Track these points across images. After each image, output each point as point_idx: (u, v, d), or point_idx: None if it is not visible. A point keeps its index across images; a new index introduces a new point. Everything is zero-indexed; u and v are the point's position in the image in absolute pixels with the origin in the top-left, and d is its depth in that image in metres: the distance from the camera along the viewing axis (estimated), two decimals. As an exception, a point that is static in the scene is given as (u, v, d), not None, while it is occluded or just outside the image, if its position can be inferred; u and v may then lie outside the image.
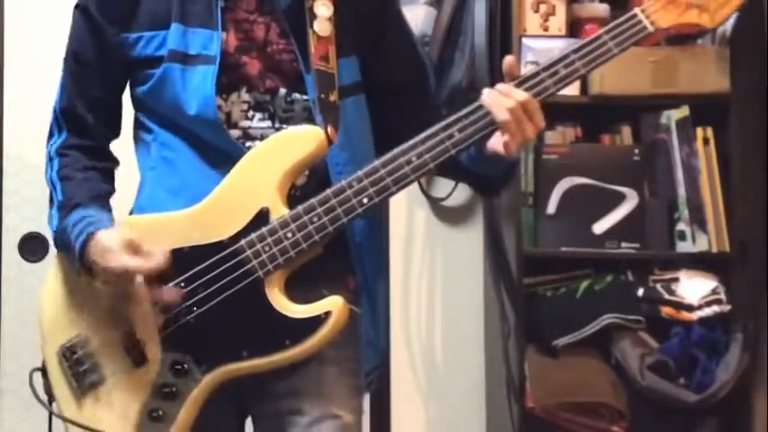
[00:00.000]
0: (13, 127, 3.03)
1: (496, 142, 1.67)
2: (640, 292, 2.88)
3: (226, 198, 1.69)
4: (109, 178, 1.83)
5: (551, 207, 2.93)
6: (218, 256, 1.67)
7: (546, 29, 2.99)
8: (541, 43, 2.95)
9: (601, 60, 1.69)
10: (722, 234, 2.86)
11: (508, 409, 2.93)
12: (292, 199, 1.69)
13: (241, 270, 1.66)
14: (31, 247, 2.97)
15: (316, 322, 1.64)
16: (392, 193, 1.67)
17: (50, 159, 1.82)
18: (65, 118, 1.82)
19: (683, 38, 2.87)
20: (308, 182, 1.73)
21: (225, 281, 1.66)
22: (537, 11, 2.99)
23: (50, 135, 1.84)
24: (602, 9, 3.03)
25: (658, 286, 2.88)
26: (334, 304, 1.65)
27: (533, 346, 2.90)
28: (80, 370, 1.73)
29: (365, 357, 1.83)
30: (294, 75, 1.76)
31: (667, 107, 2.95)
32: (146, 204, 1.79)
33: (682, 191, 2.91)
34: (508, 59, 1.68)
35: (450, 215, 3.26)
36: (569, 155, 2.95)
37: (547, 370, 2.84)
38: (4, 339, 3.03)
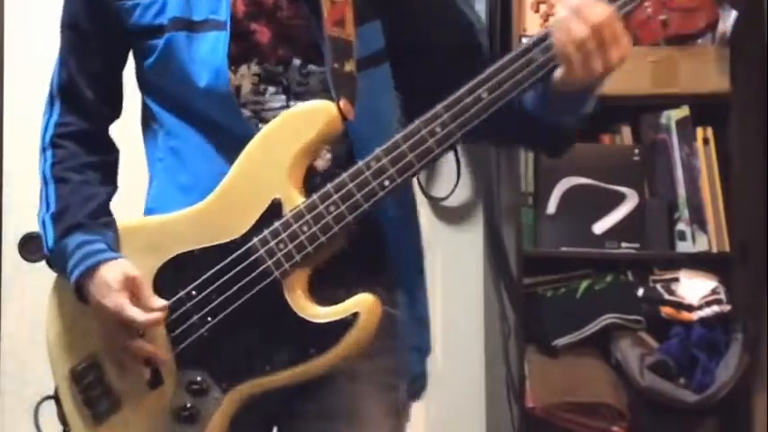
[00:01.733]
0: (13, 127, 3.02)
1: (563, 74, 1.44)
2: (640, 292, 2.88)
3: (234, 190, 1.51)
4: (109, 174, 1.67)
5: (551, 207, 2.93)
6: (230, 258, 1.49)
7: (546, 29, 2.99)
8: (541, 43, 2.95)
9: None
10: (722, 234, 2.86)
11: (508, 409, 2.93)
12: (314, 187, 1.50)
13: (256, 272, 1.48)
14: (31, 247, 2.96)
15: (342, 326, 1.45)
16: (416, 172, 1.47)
17: (44, 150, 1.64)
18: (62, 94, 1.64)
19: (683, 38, 2.87)
20: (332, 166, 1.54)
21: (239, 285, 1.48)
22: (537, 11, 2.99)
23: (43, 117, 1.67)
24: (602, 9, 3.02)
25: (658, 286, 2.88)
26: (362, 303, 1.46)
27: (533, 346, 2.90)
28: (93, 395, 1.58)
29: (410, 363, 1.62)
30: (308, 44, 1.55)
31: (667, 107, 2.94)
32: (156, 205, 1.62)
33: (682, 191, 2.91)
34: None
35: (450, 215, 3.26)
36: (569, 155, 2.94)
37: (547, 370, 2.84)
38: (4, 339, 3.03)
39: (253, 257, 1.48)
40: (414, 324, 1.64)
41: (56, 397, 1.63)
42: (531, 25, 2.98)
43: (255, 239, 1.48)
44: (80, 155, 1.63)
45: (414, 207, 1.69)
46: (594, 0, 1.45)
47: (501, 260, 3.02)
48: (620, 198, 2.93)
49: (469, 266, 3.25)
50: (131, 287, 1.50)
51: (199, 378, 1.50)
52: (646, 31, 3.02)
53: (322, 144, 1.50)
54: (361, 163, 1.47)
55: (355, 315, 1.45)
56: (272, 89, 1.56)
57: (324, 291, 1.50)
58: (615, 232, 2.92)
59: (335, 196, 1.46)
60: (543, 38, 1.45)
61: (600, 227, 2.93)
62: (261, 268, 1.48)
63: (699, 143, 2.89)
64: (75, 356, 1.60)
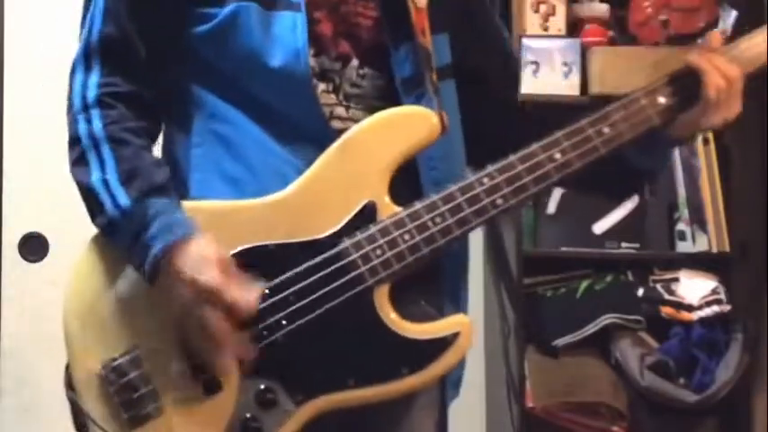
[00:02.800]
0: (13, 127, 3.02)
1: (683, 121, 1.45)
2: (640, 292, 2.88)
3: (319, 186, 1.37)
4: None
5: (551, 207, 2.93)
6: (315, 260, 1.35)
7: (546, 29, 2.99)
8: (541, 43, 2.95)
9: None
10: (722, 234, 2.86)
11: (508, 409, 2.93)
12: None
13: (346, 277, 1.34)
14: (31, 247, 2.96)
15: (441, 345, 1.35)
16: (530, 196, 1.39)
17: (85, 108, 1.39)
18: (105, 50, 1.40)
19: (683, 38, 2.87)
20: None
21: (324, 291, 1.34)
22: (537, 11, 2.99)
23: (73, 77, 1.42)
24: (602, 9, 3.03)
25: (658, 286, 2.88)
26: (461, 324, 1.37)
27: (533, 346, 2.90)
28: (132, 397, 1.35)
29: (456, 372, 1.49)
30: (371, 45, 1.45)
31: (667, 107, 2.95)
32: (198, 195, 1.41)
33: (682, 191, 2.91)
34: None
35: (450, 215, 3.26)
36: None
37: (547, 370, 2.84)
38: (4, 339, 3.03)
39: (344, 261, 1.35)
40: None
41: (72, 391, 1.40)
42: (531, 25, 2.99)
43: (348, 242, 1.35)
44: (133, 119, 1.40)
45: None
46: (724, 56, 1.47)
47: (501, 260, 3.02)
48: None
49: (469, 266, 3.25)
50: (227, 269, 1.32)
51: (271, 388, 1.34)
52: (646, 31, 3.03)
53: (418, 152, 1.40)
54: (473, 178, 1.38)
55: (456, 335, 1.36)
56: (322, 86, 1.43)
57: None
58: (615, 232, 2.93)
59: (443, 208, 1.36)
60: (686, 73, 1.46)
61: (600, 227, 2.93)
62: (353, 274, 1.35)
63: (699, 143, 2.89)
64: (109, 347, 1.36)
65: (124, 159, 1.36)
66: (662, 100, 1.44)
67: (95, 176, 1.36)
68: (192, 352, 1.35)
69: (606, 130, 1.41)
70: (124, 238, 1.35)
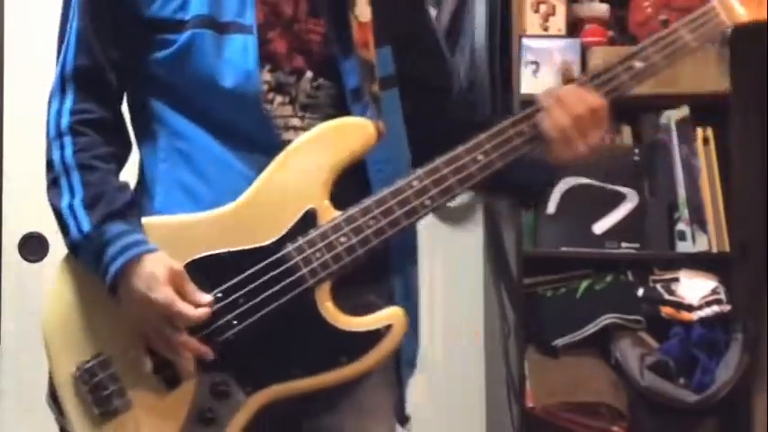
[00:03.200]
0: (13, 127, 3.02)
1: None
2: (640, 292, 2.88)
3: (265, 197, 1.51)
4: (121, 169, 1.61)
5: (551, 207, 2.93)
6: (261, 264, 1.49)
7: (546, 29, 2.99)
8: (541, 43, 2.96)
9: (679, 54, 1.58)
10: (722, 234, 2.86)
11: (508, 409, 2.93)
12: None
13: (290, 279, 1.48)
14: (31, 247, 2.97)
15: (375, 336, 1.49)
16: (456, 195, 1.52)
17: (58, 136, 1.55)
18: (78, 79, 1.56)
19: (682, 38, 2.87)
20: (338, 181, 1.55)
21: (271, 291, 1.48)
22: (537, 11, 2.99)
23: (50, 105, 1.58)
24: (602, 9, 3.03)
25: (658, 286, 2.88)
26: (394, 316, 1.51)
27: (533, 346, 2.90)
28: (102, 395, 1.51)
29: (406, 374, 1.65)
30: (322, 58, 1.58)
31: (667, 107, 2.95)
32: (161, 207, 1.56)
33: (682, 191, 2.91)
34: (563, 63, 1.58)
35: (450, 215, 3.26)
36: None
37: (547, 370, 2.84)
38: (4, 339, 3.03)
39: (287, 264, 1.48)
40: (412, 336, 1.66)
41: (53, 396, 1.56)
42: (531, 25, 2.99)
43: (291, 247, 1.49)
44: (102, 144, 1.56)
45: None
46: (575, 89, 1.54)
47: (501, 260, 3.02)
48: (620, 198, 2.93)
49: (469, 266, 3.25)
50: (177, 281, 1.47)
51: (223, 380, 1.50)
52: (646, 31, 3.03)
53: (357, 160, 1.53)
54: (402, 182, 1.51)
55: (388, 327, 1.50)
56: (279, 98, 1.57)
57: (338, 297, 1.52)
58: (615, 232, 2.93)
59: (376, 211, 1.50)
60: (533, 114, 1.54)
61: (600, 227, 2.93)
62: (296, 276, 1.48)
63: (699, 143, 2.89)
64: (82, 352, 1.53)
65: (90, 185, 1.51)
66: (526, 129, 1.55)
67: (65, 202, 1.52)
68: (154, 352, 1.50)
69: (511, 139, 1.53)
70: (87, 258, 1.51)
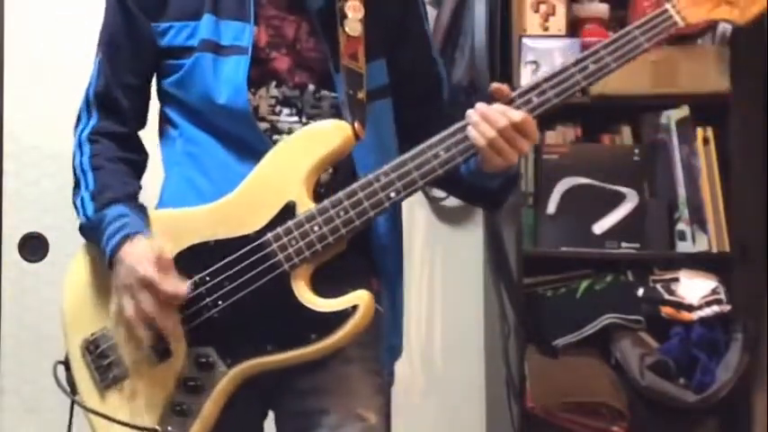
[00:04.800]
0: (13, 127, 3.03)
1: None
2: (640, 292, 2.88)
3: (251, 192, 1.70)
4: (137, 173, 1.84)
5: (551, 207, 2.93)
6: (243, 250, 1.67)
7: (546, 29, 2.99)
8: (541, 43, 2.96)
9: (631, 55, 1.69)
10: (722, 234, 2.86)
11: (508, 409, 2.93)
12: (317, 195, 1.70)
13: (267, 264, 1.66)
14: (31, 247, 2.97)
15: (342, 316, 1.64)
16: (418, 188, 1.68)
17: (80, 145, 1.81)
18: (98, 101, 1.82)
19: (683, 38, 2.87)
20: (333, 178, 1.75)
21: (250, 274, 1.66)
22: (537, 11, 2.99)
23: (78, 121, 1.84)
24: (602, 9, 3.03)
25: (658, 286, 2.88)
26: (360, 298, 1.65)
27: (533, 346, 2.90)
28: (103, 363, 1.73)
29: (386, 360, 1.84)
30: (323, 73, 1.78)
31: (667, 107, 2.95)
32: (170, 200, 1.80)
33: (682, 191, 2.91)
34: (494, 86, 1.70)
35: (450, 215, 3.26)
36: (569, 155, 2.95)
37: (547, 370, 2.84)
38: (4, 339, 3.04)
39: (265, 251, 1.67)
40: (392, 325, 1.86)
41: (66, 363, 1.77)
42: (531, 25, 2.99)
43: (269, 235, 1.67)
44: (114, 149, 1.81)
45: (400, 224, 1.89)
46: (500, 107, 1.67)
47: (501, 260, 3.02)
48: (620, 198, 2.93)
49: (469, 266, 3.25)
50: (163, 265, 1.65)
51: (207, 354, 1.68)
52: (646, 31, 3.02)
53: (335, 158, 1.71)
54: (371, 176, 1.67)
55: (354, 307, 1.65)
56: (286, 110, 1.77)
57: (321, 290, 1.68)
58: (615, 232, 2.92)
59: (346, 203, 1.66)
60: (463, 128, 1.68)
61: (600, 227, 2.93)
62: (272, 261, 1.66)
63: (699, 143, 2.89)
64: (89, 326, 1.74)
65: (98, 180, 1.76)
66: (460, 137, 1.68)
67: (78, 194, 1.77)
68: (146, 327, 1.67)
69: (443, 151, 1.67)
70: (93, 240, 1.74)
